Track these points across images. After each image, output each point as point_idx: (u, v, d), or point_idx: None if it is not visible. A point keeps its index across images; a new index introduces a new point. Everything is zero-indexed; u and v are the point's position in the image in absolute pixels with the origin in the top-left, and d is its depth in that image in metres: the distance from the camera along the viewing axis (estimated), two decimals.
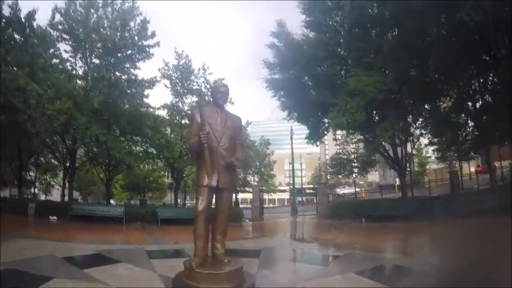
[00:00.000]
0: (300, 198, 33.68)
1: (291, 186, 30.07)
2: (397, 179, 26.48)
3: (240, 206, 29.52)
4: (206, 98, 21.07)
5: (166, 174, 32.89)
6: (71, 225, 15.19)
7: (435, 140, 24.36)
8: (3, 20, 15.35)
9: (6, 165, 24.73)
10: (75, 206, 19.22)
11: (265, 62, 20.93)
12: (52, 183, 35.10)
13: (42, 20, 33.25)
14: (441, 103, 19.25)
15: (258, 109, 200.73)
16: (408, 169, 22.33)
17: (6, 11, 15.53)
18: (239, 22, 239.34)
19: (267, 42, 20.77)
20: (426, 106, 18.34)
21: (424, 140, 26.22)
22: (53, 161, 28.06)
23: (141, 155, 22.96)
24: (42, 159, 28.64)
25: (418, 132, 21.75)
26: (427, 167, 41.17)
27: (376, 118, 18.51)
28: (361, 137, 23.82)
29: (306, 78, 20.52)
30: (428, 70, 15.14)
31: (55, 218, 16.79)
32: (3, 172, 25.56)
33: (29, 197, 29.90)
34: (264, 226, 18.81)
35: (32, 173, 29.88)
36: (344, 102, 16.20)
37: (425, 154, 38.88)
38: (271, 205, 42.15)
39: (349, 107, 15.88)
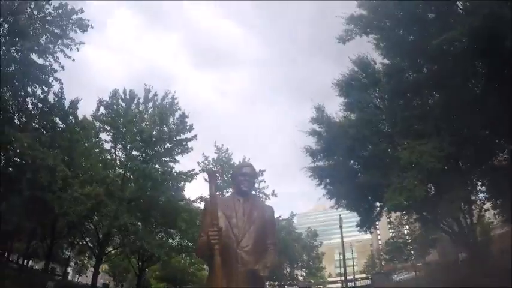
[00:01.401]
0: None
1: (342, 278, 26.90)
2: (460, 255, 23.25)
3: None
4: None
5: (206, 267, 31.43)
6: None
7: (498, 202, 21.13)
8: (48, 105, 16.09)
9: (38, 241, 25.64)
10: None
11: (306, 149, 20.10)
12: (88, 265, 35.03)
13: (81, 110, 36.23)
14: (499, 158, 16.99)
15: (304, 201, 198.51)
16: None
17: (51, 97, 16.29)
18: (282, 118, 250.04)
19: (307, 129, 20.14)
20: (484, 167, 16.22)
21: (485, 205, 23.01)
22: (89, 244, 28.30)
23: (175, 248, 21.84)
24: (78, 240, 28.63)
25: (481, 197, 19.29)
26: (491, 234, 36.08)
27: (433, 192, 16.59)
28: (418, 215, 21.34)
29: (352, 161, 19.45)
30: (480, 126, 13.65)
31: None
32: (38, 247, 26.69)
33: (58, 274, 30.43)
34: None
35: (67, 252, 30.36)
36: (399, 179, 14.40)
37: (488, 220, 34.38)
38: None
39: (406, 184, 13.95)
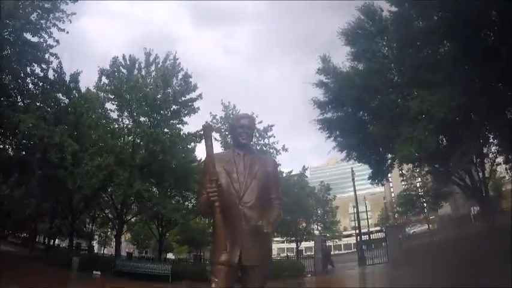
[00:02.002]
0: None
1: (357, 231, 27.28)
2: (472, 209, 23.24)
3: (305, 254, 27.64)
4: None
5: None
6: (112, 283, 14.63)
7: (510, 156, 20.81)
8: (49, 82, 15.98)
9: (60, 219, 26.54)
10: (118, 261, 18.81)
11: (314, 101, 19.64)
12: (111, 236, 36.19)
13: (85, 81, 36.27)
14: None
15: (316, 156, 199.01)
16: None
17: (50, 74, 16.19)
18: (289, 73, 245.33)
19: (314, 81, 19.60)
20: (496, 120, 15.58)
21: (498, 159, 22.65)
22: (109, 215, 28.96)
23: (191, 210, 22.27)
24: (98, 213, 29.67)
25: (493, 150, 18.95)
26: (503, 189, 35.74)
27: (444, 143, 16.26)
28: (430, 168, 21.20)
29: (361, 112, 19.01)
30: (492, 77, 13.00)
31: (98, 273, 16.21)
32: (61, 225, 27.69)
33: (84, 248, 31.69)
34: (328, 284, 16.30)
35: (90, 226, 31.43)
36: (409, 129, 14.10)
37: (500, 175, 33.79)
38: (337, 251, 39.22)
39: (416, 134, 13.69)
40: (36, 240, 34.65)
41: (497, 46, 11.34)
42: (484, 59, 11.92)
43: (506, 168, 24.48)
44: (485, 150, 17.76)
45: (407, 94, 16.36)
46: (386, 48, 18.32)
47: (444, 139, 16.23)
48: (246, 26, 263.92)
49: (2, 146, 16.86)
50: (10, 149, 17.27)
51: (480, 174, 17.57)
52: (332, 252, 28.53)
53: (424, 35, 14.61)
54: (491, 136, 17.24)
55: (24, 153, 16.76)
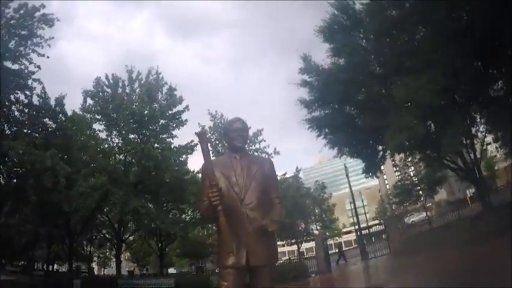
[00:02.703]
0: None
1: (356, 227, 27.39)
2: (468, 191, 23.52)
3: (306, 256, 27.43)
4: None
5: None
6: None
7: (499, 134, 20.80)
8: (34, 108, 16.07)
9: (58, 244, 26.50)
10: (121, 281, 18.89)
11: (300, 101, 19.65)
12: (110, 256, 36.17)
13: (70, 104, 36.06)
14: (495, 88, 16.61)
15: (307, 156, 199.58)
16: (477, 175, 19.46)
17: (35, 100, 16.26)
18: (272, 76, 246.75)
19: (298, 81, 19.60)
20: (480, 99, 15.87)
21: (487, 138, 22.93)
22: (107, 235, 28.66)
23: (189, 222, 22.21)
24: (96, 234, 29.52)
25: (481, 129, 19.23)
26: (495, 168, 36.18)
27: (433, 129, 16.44)
28: (421, 155, 21.37)
29: (348, 107, 19.02)
30: (471, 56, 13.19)
31: None
32: (59, 249, 27.69)
33: (84, 271, 31.53)
34: (334, 281, 16.29)
35: (88, 248, 31.41)
36: (397, 118, 14.17)
37: (491, 154, 34.25)
38: (338, 250, 39.39)
39: (405, 122, 13.78)
40: (35, 267, 34.13)
41: (471, 24, 11.54)
42: (459, 38, 12.16)
43: (496, 147, 24.89)
44: (473, 131, 17.93)
45: (390, 84, 16.46)
46: (364, 41, 18.40)
47: (432, 124, 16.34)
48: (222, 33, 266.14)
49: None
50: (1, 178, 17.16)
51: (471, 155, 17.69)
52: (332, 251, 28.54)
53: (399, 23, 14.84)
54: (478, 116, 17.43)
55: (16, 180, 16.71)
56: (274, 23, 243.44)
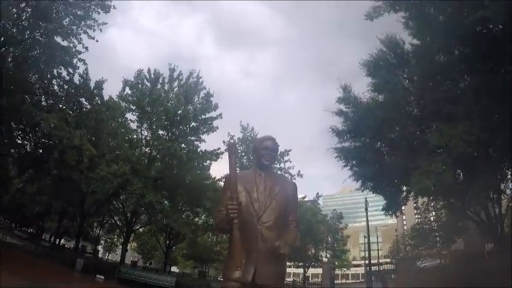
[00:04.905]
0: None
1: (366, 261, 26.68)
2: (487, 245, 22.63)
3: (311, 281, 27.09)
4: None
5: None
6: None
7: None
8: (74, 86, 16.40)
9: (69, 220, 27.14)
10: (124, 269, 18.97)
11: (333, 129, 19.56)
12: (117, 243, 36.66)
13: (108, 90, 37.24)
14: None
15: (330, 184, 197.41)
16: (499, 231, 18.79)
17: (76, 79, 16.64)
18: (308, 98, 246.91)
19: (334, 109, 19.56)
20: None
21: None
22: (118, 222, 29.21)
23: (201, 226, 22.31)
24: (107, 219, 29.99)
25: (511, 186, 18.38)
26: None
27: (461, 178, 16.05)
28: (445, 202, 20.74)
29: (379, 143, 18.75)
30: None
31: (102, 277, 16.48)
32: (69, 225, 28.30)
33: (89, 251, 31.98)
34: None
35: (97, 231, 32.03)
36: (427, 162, 13.75)
37: None
38: (344, 281, 38.59)
39: (434, 167, 13.35)
40: (42, 237, 34.98)
41: None
42: (503, 93, 11.84)
43: None
44: (502, 187, 17.29)
45: (426, 127, 16.24)
46: (407, 81, 18.19)
47: (461, 173, 15.97)
48: (267, 49, 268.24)
49: (20, 142, 17.24)
50: (28, 146, 17.61)
51: (496, 210, 17.00)
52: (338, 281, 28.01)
53: (445, 69, 14.61)
54: (510, 172, 16.86)
55: (41, 151, 17.12)
56: (318, 47, 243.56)
